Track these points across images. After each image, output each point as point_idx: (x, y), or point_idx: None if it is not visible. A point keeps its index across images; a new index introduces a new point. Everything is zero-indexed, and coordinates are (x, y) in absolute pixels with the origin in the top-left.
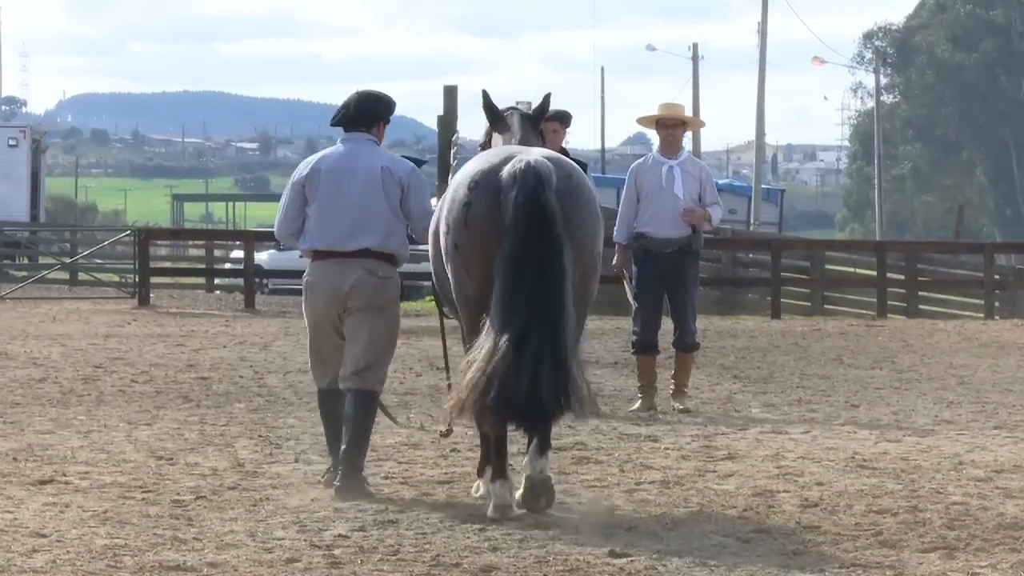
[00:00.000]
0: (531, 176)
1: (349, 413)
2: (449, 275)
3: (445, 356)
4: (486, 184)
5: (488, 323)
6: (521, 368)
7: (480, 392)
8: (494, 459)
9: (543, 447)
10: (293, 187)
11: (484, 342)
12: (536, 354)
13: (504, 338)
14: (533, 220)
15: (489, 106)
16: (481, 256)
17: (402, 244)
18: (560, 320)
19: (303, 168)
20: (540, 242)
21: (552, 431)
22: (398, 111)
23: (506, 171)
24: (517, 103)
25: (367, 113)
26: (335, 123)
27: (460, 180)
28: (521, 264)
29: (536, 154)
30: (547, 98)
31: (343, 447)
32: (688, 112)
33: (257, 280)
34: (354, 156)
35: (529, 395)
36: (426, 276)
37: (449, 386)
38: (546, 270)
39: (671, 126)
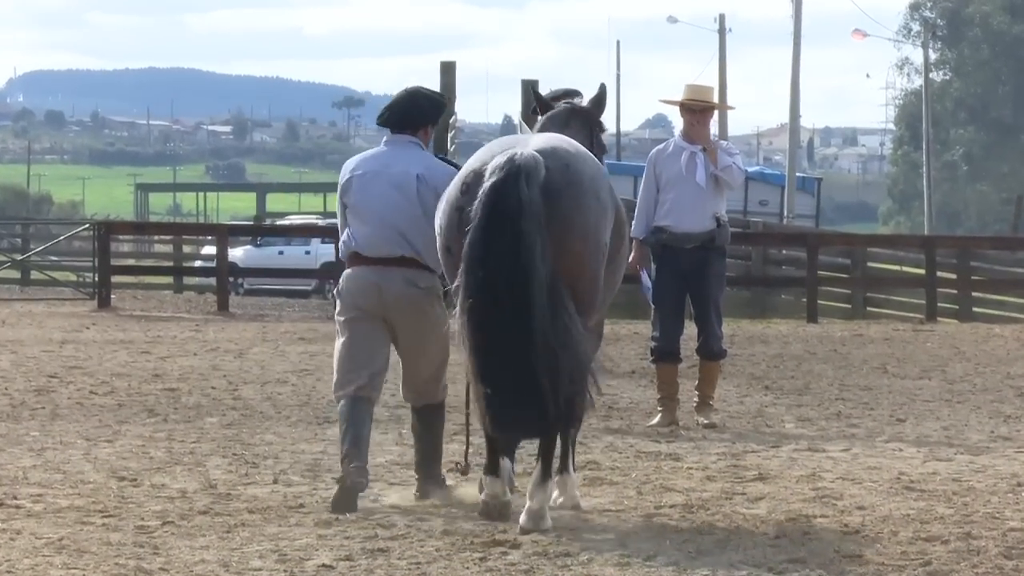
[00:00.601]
0: (506, 169)
1: (418, 427)
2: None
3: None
4: (476, 185)
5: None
6: (487, 377)
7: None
8: (487, 455)
9: (543, 476)
10: (339, 200)
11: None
12: (501, 360)
13: (469, 345)
14: (494, 214)
15: (539, 99)
16: None
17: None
18: (523, 321)
19: (343, 175)
20: (501, 237)
21: (553, 454)
22: (389, 90)
23: (488, 168)
24: (565, 91)
25: (412, 115)
26: (380, 123)
27: (456, 180)
28: (481, 261)
29: (534, 144)
30: (603, 89)
31: (419, 460)
32: (715, 94)
33: (231, 279)
34: (391, 160)
35: (500, 408)
36: None
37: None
38: (510, 267)
39: (698, 111)
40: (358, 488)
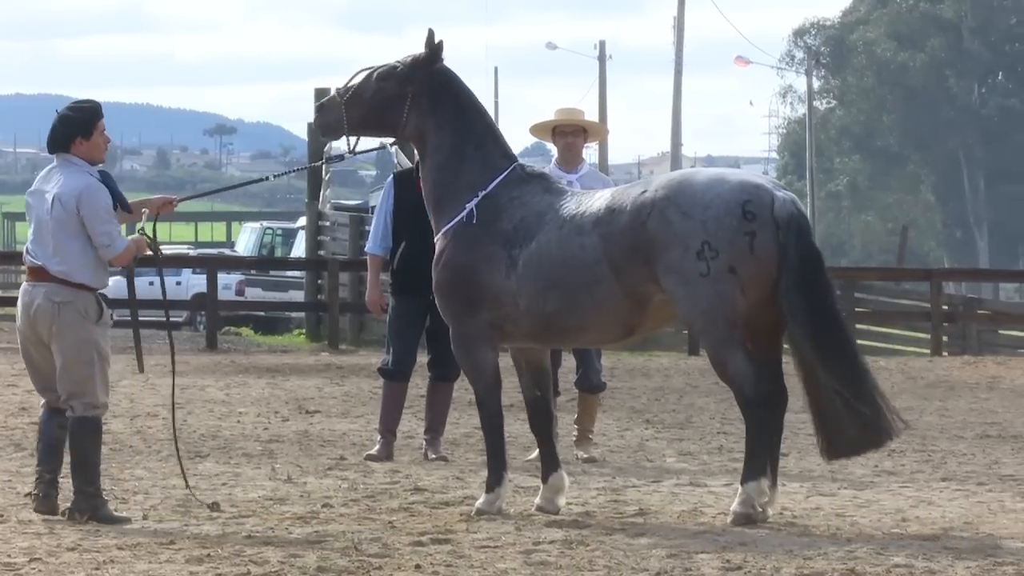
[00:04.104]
0: (798, 210)
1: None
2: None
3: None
4: (762, 213)
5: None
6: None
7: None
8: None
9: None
10: None
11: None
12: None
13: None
14: (816, 253)
15: None
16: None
17: (80, 267)
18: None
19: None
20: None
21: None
22: (262, 117)
23: (774, 197)
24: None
25: (57, 135)
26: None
27: (731, 206)
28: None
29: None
30: (439, 43)
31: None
32: (591, 118)
33: None
34: (48, 180)
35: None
36: (293, 306)
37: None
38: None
39: (569, 133)
40: (45, 505)
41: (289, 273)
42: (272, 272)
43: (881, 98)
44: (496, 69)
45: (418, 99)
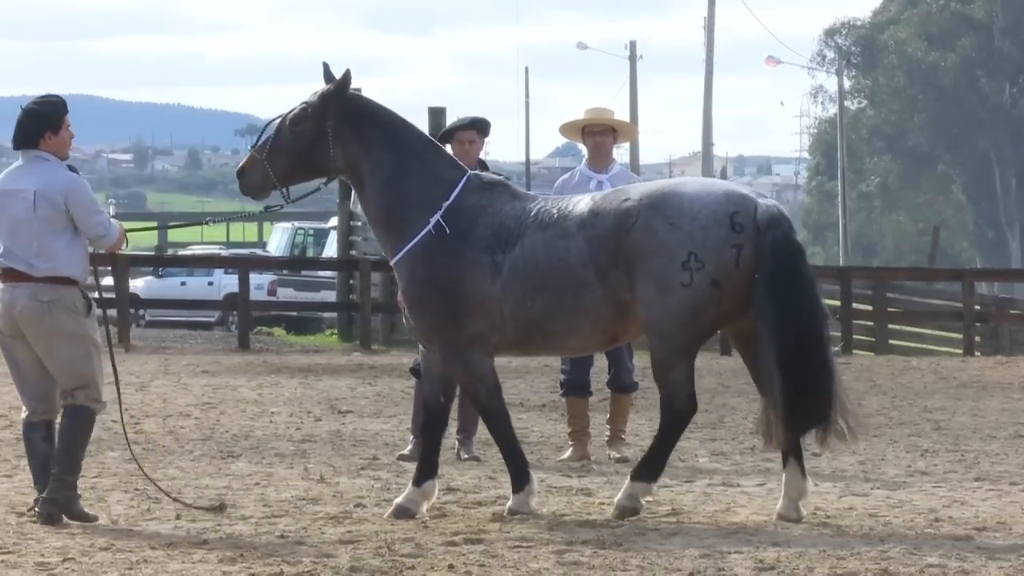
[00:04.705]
0: (786, 222)
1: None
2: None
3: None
4: (749, 224)
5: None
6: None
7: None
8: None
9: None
10: None
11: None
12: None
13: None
14: (805, 265)
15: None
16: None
17: (68, 262)
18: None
19: None
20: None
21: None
22: None
23: (758, 205)
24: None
25: (26, 129)
26: (13, 147)
27: (717, 217)
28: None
29: (731, 184)
30: (346, 73)
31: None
32: (622, 118)
33: (132, 311)
34: (20, 176)
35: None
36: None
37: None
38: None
39: (599, 133)
40: (51, 516)
41: (321, 273)
42: (304, 272)
43: (912, 98)
44: (527, 69)
45: (339, 130)
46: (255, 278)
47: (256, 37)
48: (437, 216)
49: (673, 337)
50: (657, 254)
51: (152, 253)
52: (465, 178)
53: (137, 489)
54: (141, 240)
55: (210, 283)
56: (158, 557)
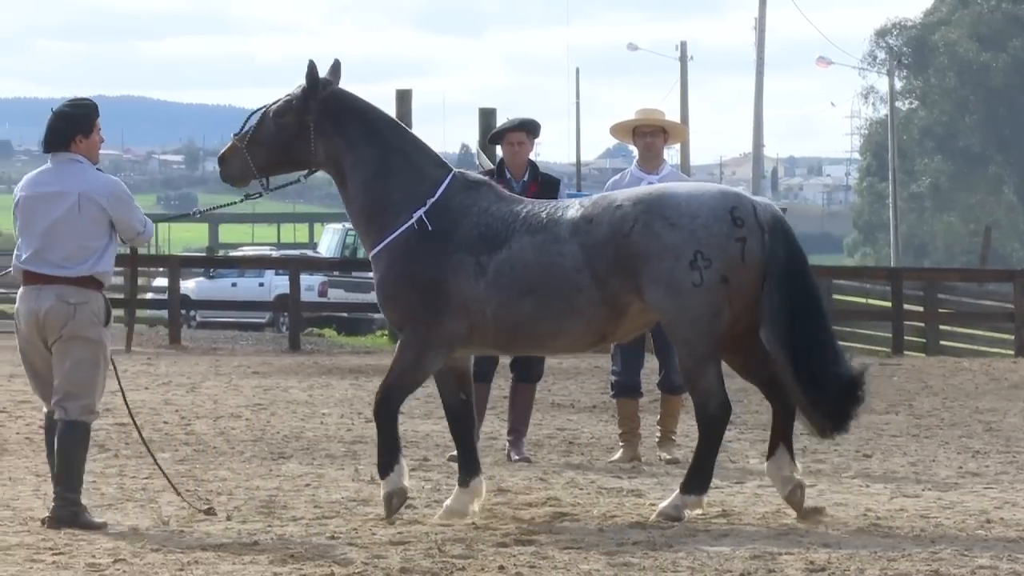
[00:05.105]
0: (781, 220)
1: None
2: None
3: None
4: (750, 219)
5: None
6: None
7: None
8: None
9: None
10: (14, 217)
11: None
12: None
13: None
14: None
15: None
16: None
17: (105, 265)
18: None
19: (15, 194)
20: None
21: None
22: None
23: (754, 203)
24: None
25: (58, 132)
26: (43, 150)
27: (718, 211)
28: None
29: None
30: (311, 66)
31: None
32: (672, 119)
33: (183, 312)
34: (53, 179)
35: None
36: (375, 307)
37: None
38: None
39: (649, 134)
40: (63, 521)
41: (371, 274)
42: (354, 273)
43: (963, 99)
44: (577, 70)
45: (321, 125)
46: (306, 279)
47: (308, 38)
48: (420, 212)
49: (693, 343)
50: (662, 256)
51: (203, 254)
52: (450, 177)
53: (188, 490)
54: (192, 241)
55: (261, 284)
56: (209, 558)
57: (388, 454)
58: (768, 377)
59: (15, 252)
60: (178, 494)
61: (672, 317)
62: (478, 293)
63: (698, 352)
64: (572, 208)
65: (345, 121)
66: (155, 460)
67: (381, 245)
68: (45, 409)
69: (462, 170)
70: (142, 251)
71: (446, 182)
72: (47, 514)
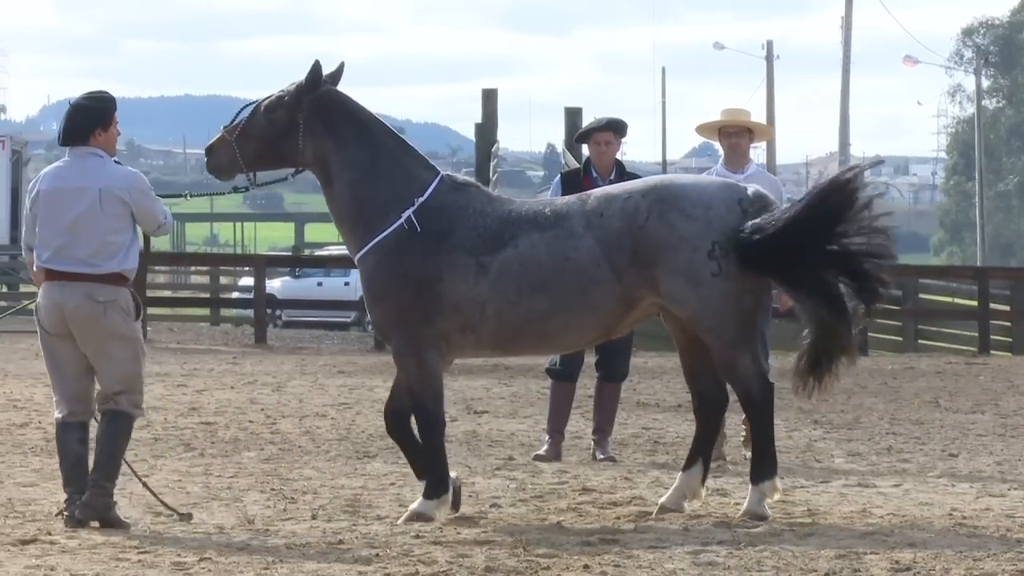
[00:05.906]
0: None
1: (100, 436)
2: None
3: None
4: (764, 210)
5: None
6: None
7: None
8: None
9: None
10: (30, 213)
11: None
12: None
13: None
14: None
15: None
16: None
17: (130, 259)
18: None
19: (31, 189)
20: None
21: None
22: (429, 118)
23: (758, 193)
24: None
25: (77, 125)
26: (60, 143)
27: (726, 204)
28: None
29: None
30: (315, 65)
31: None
32: (758, 118)
33: (269, 311)
34: (71, 174)
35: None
36: None
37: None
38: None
39: (734, 134)
40: (83, 521)
41: None
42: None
43: None
44: (663, 69)
45: (310, 124)
46: None
47: (393, 38)
48: (409, 212)
49: (720, 333)
50: (680, 248)
51: (289, 254)
52: (438, 178)
53: (273, 489)
54: (278, 240)
55: (346, 283)
56: (293, 557)
57: (438, 469)
58: (702, 391)
59: (34, 251)
60: (158, 499)
61: (694, 309)
62: (477, 293)
63: (726, 339)
64: (577, 202)
65: (336, 121)
66: (128, 465)
67: (369, 245)
68: (60, 412)
69: (450, 172)
70: (227, 250)
71: (434, 183)
72: (74, 496)
